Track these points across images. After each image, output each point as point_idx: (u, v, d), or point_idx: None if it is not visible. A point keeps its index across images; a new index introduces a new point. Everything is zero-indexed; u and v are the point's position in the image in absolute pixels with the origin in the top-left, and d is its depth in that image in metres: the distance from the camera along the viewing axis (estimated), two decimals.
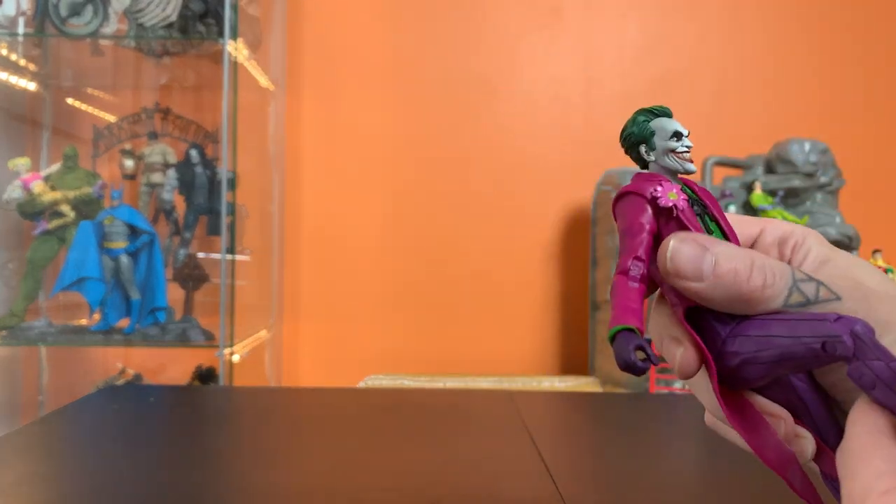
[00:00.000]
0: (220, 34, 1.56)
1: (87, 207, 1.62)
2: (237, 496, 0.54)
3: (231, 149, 1.56)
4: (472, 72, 1.89)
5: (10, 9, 1.64)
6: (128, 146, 1.70)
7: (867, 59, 1.92)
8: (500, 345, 1.88)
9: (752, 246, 0.35)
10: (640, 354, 0.27)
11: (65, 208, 1.61)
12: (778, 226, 0.35)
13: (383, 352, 1.87)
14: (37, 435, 0.71)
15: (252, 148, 1.74)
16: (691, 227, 0.29)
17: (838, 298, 0.30)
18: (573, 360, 1.88)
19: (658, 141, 0.31)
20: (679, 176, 0.31)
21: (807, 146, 1.61)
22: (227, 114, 1.53)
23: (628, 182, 0.31)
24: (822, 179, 1.61)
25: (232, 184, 1.57)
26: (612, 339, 0.28)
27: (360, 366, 1.80)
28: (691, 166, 0.31)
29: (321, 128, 1.90)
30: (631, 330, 0.28)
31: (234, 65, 1.58)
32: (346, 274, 1.89)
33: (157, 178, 1.66)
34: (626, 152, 0.32)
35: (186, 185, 1.63)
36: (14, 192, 1.60)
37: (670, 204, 0.29)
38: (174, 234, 1.66)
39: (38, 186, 1.60)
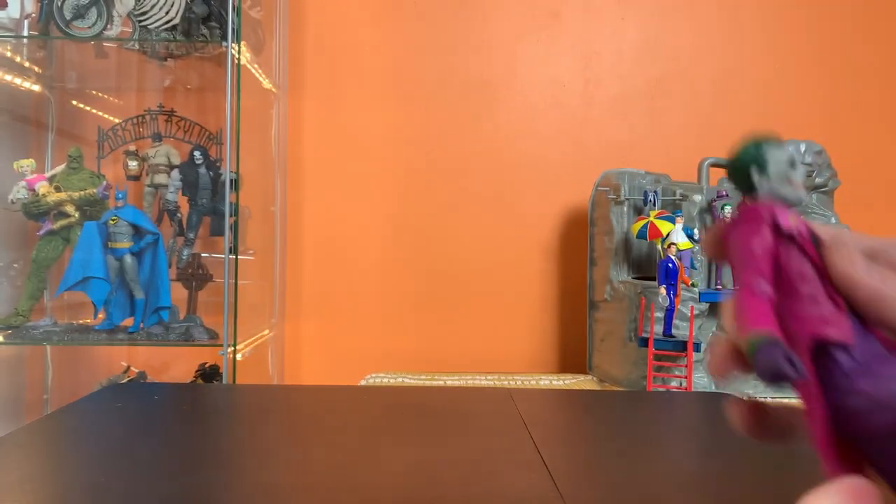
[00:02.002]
0: (224, 37, 1.56)
1: (91, 208, 1.63)
2: (239, 492, 0.55)
3: (234, 150, 1.57)
4: (471, 74, 1.90)
5: (14, 11, 1.65)
6: (132, 147, 1.71)
7: (863, 60, 1.92)
8: (499, 343, 1.89)
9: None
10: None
11: (69, 209, 1.62)
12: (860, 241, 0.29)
13: (384, 350, 1.88)
14: (41, 432, 0.71)
15: (255, 149, 1.75)
16: (810, 254, 0.28)
17: None
18: (571, 359, 1.89)
19: (773, 167, 0.29)
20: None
21: (802, 147, 1.62)
22: (230, 116, 1.54)
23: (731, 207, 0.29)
24: (818, 180, 1.62)
25: (235, 185, 1.58)
26: (755, 350, 0.25)
27: (361, 364, 1.81)
28: (804, 195, 0.30)
29: (323, 129, 1.91)
30: (774, 341, 0.25)
31: (237, 67, 1.59)
32: (348, 273, 1.90)
33: (161, 179, 1.67)
34: (732, 176, 0.30)
35: (190, 186, 1.64)
36: (19, 192, 1.61)
37: (793, 228, 0.28)
38: (178, 234, 1.67)
39: (42, 187, 1.61)
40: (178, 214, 1.66)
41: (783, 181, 0.29)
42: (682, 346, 1.39)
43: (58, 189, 1.62)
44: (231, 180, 1.57)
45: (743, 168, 0.29)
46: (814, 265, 0.28)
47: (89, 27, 1.58)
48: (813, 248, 0.28)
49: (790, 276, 0.27)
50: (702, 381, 1.42)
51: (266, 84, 1.82)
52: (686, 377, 1.39)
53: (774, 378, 0.25)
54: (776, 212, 0.28)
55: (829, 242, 0.28)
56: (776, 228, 0.28)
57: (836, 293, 0.27)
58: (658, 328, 1.42)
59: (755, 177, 0.29)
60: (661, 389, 1.39)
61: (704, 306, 1.45)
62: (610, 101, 1.90)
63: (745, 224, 0.28)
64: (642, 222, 1.51)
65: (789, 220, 0.28)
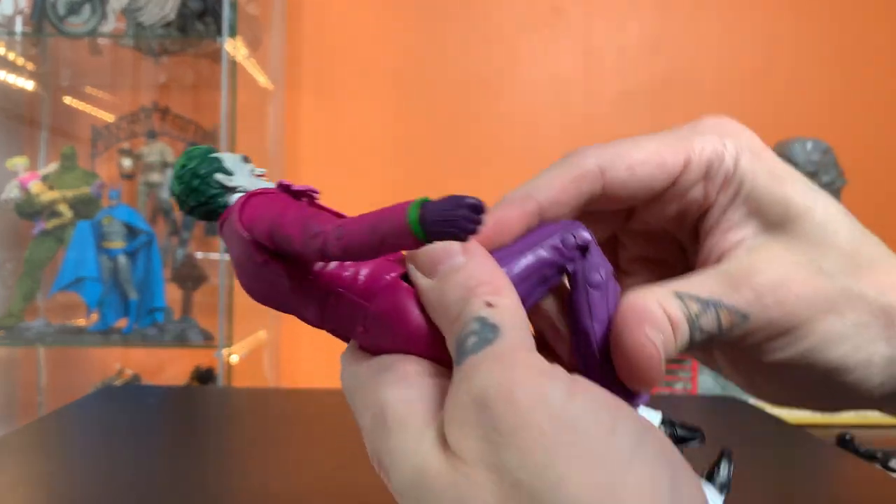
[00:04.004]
0: (219, 33, 1.55)
1: (85, 207, 1.61)
2: (235, 497, 0.54)
3: (230, 148, 1.56)
4: (472, 71, 1.89)
5: (7, 8, 1.63)
6: (126, 146, 1.70)
7: (870, 58, 1.92)
8: None
9: (672, 186, 0.30)
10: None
11: (63, 208, 1.61)
12: (703, 151, 0.30)
13: None
14: (34, 436, 0.71)
15: (251, 147, 1.73)
16: (327, 209, 0.28)
17: (745, 317, 0.27)
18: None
19: (234, 165, 0.28)
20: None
21: (809, 146, 1.61)
22: (225, 113, 1.53)
23: None
24: (824, 179, 1.61)
25: None
26: (421, 208, 0.23)
27: None
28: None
29: (321, 127, 1.89)
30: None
31: (233, 64, 1.57)
32: None
33: (155, 177, 1.65)
34: (196, 195, 0.28)
35: None
36: (12, 191, 1.60)
37: (304, 188, 0.28)
38: (172, 233, 1.66)
39: (36, 186, 1.59)
40: (173, 213, 1.65)
41: (252, 172, 0.29)
42: None
43: (51, 188, 1.61)
44: None
45: (206, 180, 0.28)
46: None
47: (83, 23, 1.56)
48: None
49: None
50: (707, 383, 1.41)
51: (262, 81, 1.80)
52: (691, 379, 1.38)
53: (454, 227, 0.22)
54: (283, 183, 0.28)
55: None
56: (286, 189, 0.28)
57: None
58: None
59: (224, 179, 0.28)
60: (664, 393, 1.38)
61: None
62: (612, 99, 1.89)
63: (260, 201, 0.27)
64: None
65: (296, 184, 0.28)
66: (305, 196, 0.28)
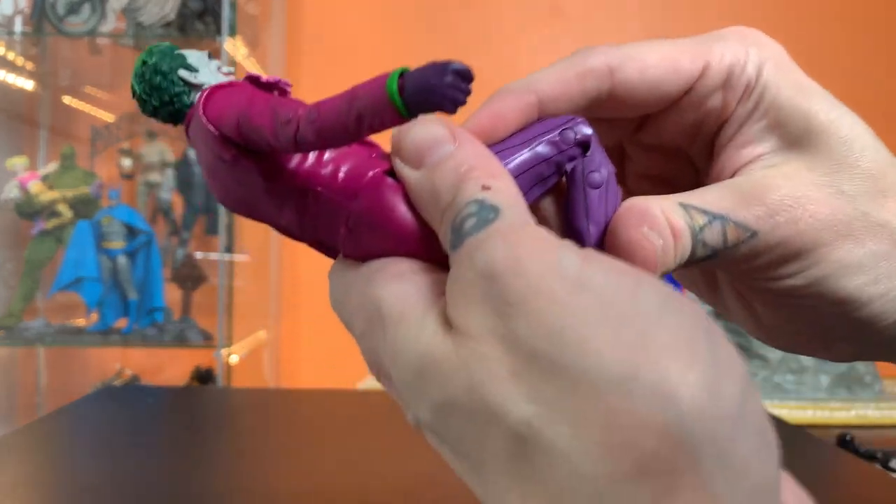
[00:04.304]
0: (219, 32, 1.55)
1: (84, 207, 1.61)
2: (235, 497, 0.54)
3: None
4: (472, 70, 1.89)
5: (7, 7, 1.63)
6: (126, 145, 1.69)
7: (869, 59, 1.92)
8: None
9: (687, 94, 0.27)
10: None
11: (62, 208, 1.61)
12: (724, 58, 0.27)
13: None
14: (34, 436, 0.71)
15: None
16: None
17: (754, 234, 0.25)
18: None
19: (199, 61, 0.26)
20: None
21: None
22: None
23: None
24: None
25: None
26: (401, 77, 0.21)
27: (359, 367, 1.78)
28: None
29: None
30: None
31: (233, 63, 1.57)
32: None
33: (155, 177, 1.65)
34: (161, 95, 0.26)
35: (185, 185, 1.63)
36: (11, 191, 1.59)
37: (274, 79, 0.25)
38: (172, 233, 1.66)
39: (35, 186, 1.59)
40: (173, 213, 1.65)
41: (218, 69, 0.26)
42: None
43: (50, 188, 1.60)
44: None
45: (169, 77, 0.25)
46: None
47: (83, 23, 1.56)
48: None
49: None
50: None
51: None
52: None
53: (439, 94, 0.21)
54: (252, 75, 0.25)
55: None
56: (254, 81, 0.25)
57: None
58: None
59: (189, 76, 0.25)
60: None
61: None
62: None
63: (229, 92, 0.25)
64: None
65: (265, 76, 0.25)
66: (276, 89, 0.25)
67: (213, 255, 1.64)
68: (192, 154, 1.62)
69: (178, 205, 1.66)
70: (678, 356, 0.17)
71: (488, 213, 0.20)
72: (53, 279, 1.57)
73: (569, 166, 0.25)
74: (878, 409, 1.11)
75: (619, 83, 0.27)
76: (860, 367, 1.15)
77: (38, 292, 1.65)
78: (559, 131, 0.25)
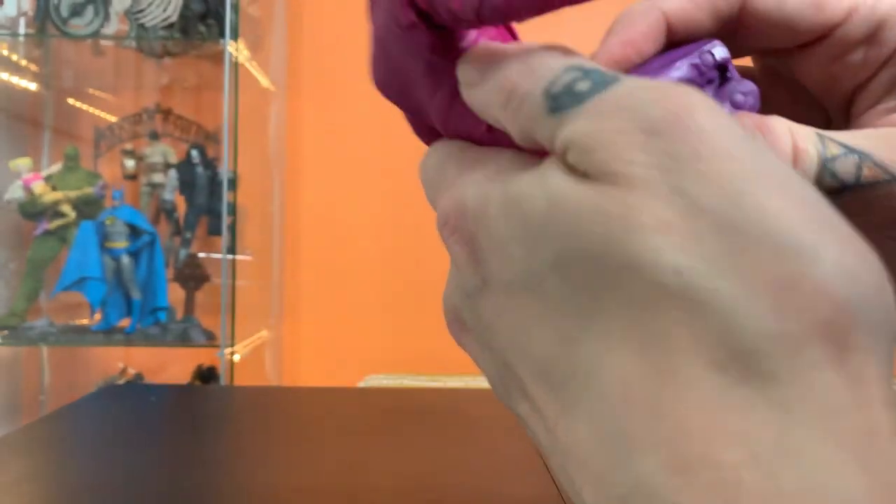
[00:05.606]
0: (221, 35, 1.56)
1: (88, 208, 1.62)
2: (237, 496, 0.54)
3: (232, 149, 1.56)
4: None
5: (11, 9, 1.64)
6: (129, 146, 1.70)
7: None
8: None
9: (825, 39, 0.25)
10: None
11: (66, 208, 1.61)
12: (877, 7, 0.24)
13: (384, 351, 1.87)
14: (38, 434, 0.71)
15: (253, 148, 1.74)
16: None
17: (893, 178, 0.22)
18: None
19: None
20: None
21: None
22: (227, 114, 1.54)
23: None
24: None
25: (232, 184, 1.57)
26: None
27: (360, 365, 1.80)
28: None
29: (321, 128, 1.90)
30: None
31: (235, 65, 1.58)
32: (347, 273, 1.89)
33: (158, 178, 1.66)
34: None
35: (187, 186, 1.63)
36: (15, 192, 1.60)
37: None
38: (175, 234, 1.66)
39: (39, 187, 1.60)
40: (176, 214, 1.66)
41: None
42: None
43: (54, 188, 1.61)
44: (229, 179, 1.57)
45: None
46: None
47: (86, 25, 1.57)
48: None
49: None
50: None
51: (264, 82, 1.81)
52: None
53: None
54: None
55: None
56: None
57: None
58: None
59: None
60: None
61: None
62: None
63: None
64: None
65: None
66: None
67: (216, 255, 1.65)
68: (194, 154, 1.63)
69: (180, 205, 1.66)
70: (853, 239, 0.16)
71: (604, 76, 0.19)
72: (57, 279, 1.58)
73: (709, 90, 0.24)
74: None
75: (753, 9, 0.24)
76: None
77: (41, 292, 1.66)
78: (697, 55, 0.24)
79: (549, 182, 0.18)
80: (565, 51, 0.21)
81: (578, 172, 0.18)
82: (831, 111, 0.27)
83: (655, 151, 0.17)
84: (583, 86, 0.18)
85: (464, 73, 0.22)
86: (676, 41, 0.25)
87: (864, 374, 0.15)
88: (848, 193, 0.22)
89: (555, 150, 0.19)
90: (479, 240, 0.20)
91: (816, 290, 0.15)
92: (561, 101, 0.19)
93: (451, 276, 0.22)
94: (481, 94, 0.21)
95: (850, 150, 0.22)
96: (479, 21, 0.22)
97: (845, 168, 0.22)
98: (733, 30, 0.25)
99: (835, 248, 0.16)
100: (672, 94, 0.17)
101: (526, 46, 0.21)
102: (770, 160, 0.17)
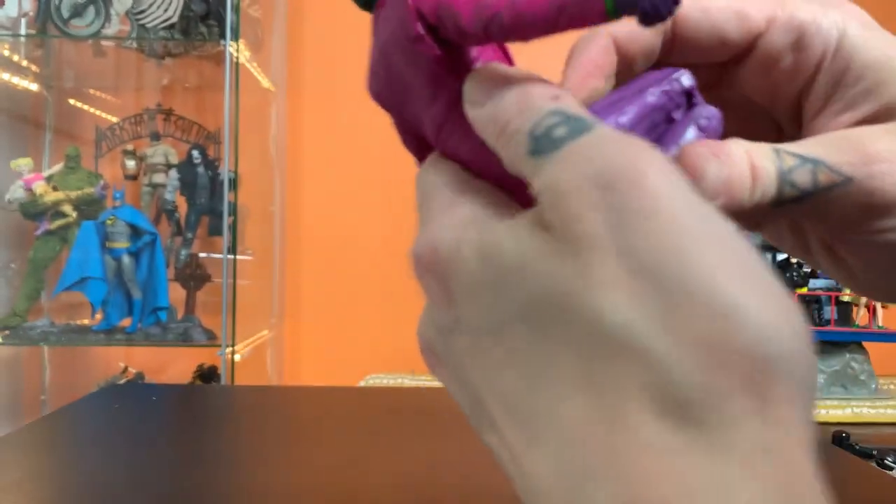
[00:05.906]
0: (222, 35, 1.56)
1: (89, 208, 1.62)
2: (238, 495, 0.54)
3: (233, 149, 1.56)
4: None
5: (12, 10, 1.64)
6: (130, 147, 1.70)
7: None
8: None
9: (754, 49, 0.26)
10: None
11: (67, 209, 1.61)
12: (794, 16, 0.26)
13: (384, 351, 1.87)
14: (39, 434, 0.71)
15: (253, 148, 1.74)
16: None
17: (847, 180, 0.24)
18: None
19: None
20: None
21: None
22: (228, 115, 1.54)
23: None
24: None
25: (233, 184, 1.58)
26: None
27: (360, 365, 1.80)
28: None
29: (322, 128, 1.90)
30: None
31: (236, 66, 1.58)
32: (347, 273, 1.89)
33: (159, 178, 1.66)
34: None
35: (188, 186, 1.63)
36: (16, 192, 1.60)
37: None
38: (176, 234, 1.67)
39: (40, 187, 1.60)
40: (176, 214, 1.66)
41: None
42: None
43: (55, 189, 1.61)
44: (229, 180, 1.57)
45: None
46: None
47: (87, 25, 1.57)
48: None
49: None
50: None
51: (265, 82, 1.81)
52: None
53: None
54: None
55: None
56: None
57: None
58: None
59: None
60: None
61: None
62: None
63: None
64: None
65: None
66: None
67: (217, 255, 1.65)
68: (195, 155, 1.63)
69: (181, 205, 1.66)
70: (779, 296, 0.18)
71: (580, 122, 0.20)
72: (58, 279, 1.58)
73: (676, 115, 0.25)
74: (873, 408, 1.11)
75: (682, 20, 0.26)
76: (856, 365, 1.16)
77: (42, 292, 1.66)
78: (667, 82, 0.25)
79: (520, 236, 0.20)
80: (554, 92, 0.22)
81: (545, 225, 0.19)
82: (781, 121, 0.29)
83: (607, 208, 0.18)
84: (560, 132, 0.20)
85: (470, 91, 0.23)
86: (628, 61, 0.26)
87: (785, 421, 0.17)
88: (808, 200, 0.24)
89: (533, 192, 0.20)
90: (451, 282, 0.21)
91: (741, 348, 0.17)
92: (541, 144, 0.20)
93: (426, 310, 0.23)
94: (482, 115, 0.22)
95: (805, 159, 0.24)
96: (487, 38, 0.23)
97: (802, 177, 0.24)
98: (672, 47, 0.27)
99: (760, 307, 0.17)
100: (628, 150, 0.19)
101: (526, 77, 0.23)
102: (712, 218, 0.18)
